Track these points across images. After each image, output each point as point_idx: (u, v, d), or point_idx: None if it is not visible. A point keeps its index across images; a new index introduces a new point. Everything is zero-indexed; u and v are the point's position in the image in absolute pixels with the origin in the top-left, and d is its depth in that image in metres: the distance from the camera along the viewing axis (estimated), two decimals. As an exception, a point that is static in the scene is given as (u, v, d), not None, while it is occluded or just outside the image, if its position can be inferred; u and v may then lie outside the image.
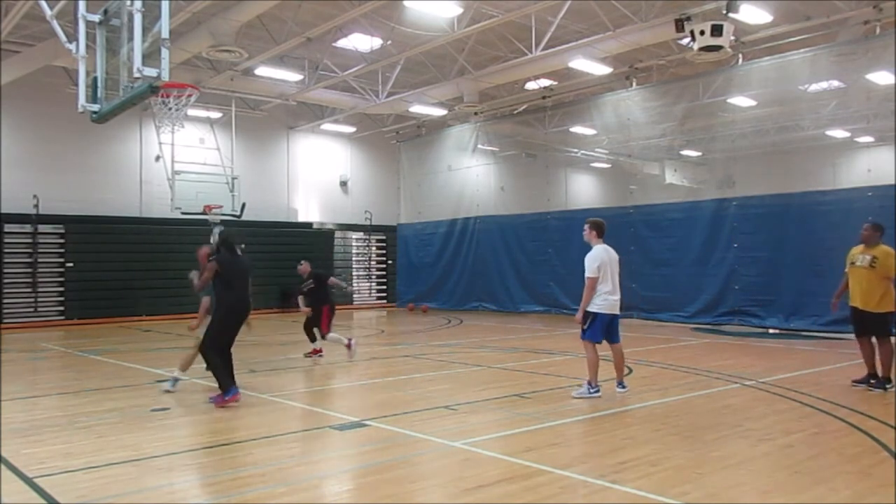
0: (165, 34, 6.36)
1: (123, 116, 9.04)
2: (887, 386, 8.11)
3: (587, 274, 7.78)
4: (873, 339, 8.29)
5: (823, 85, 16.75)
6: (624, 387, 8.09)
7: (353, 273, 24.74)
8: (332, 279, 11.79)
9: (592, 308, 7.82)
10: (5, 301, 17.57)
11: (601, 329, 7.86)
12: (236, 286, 7.67)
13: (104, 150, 19.33)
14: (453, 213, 22.59)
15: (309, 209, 23.82)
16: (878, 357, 8.32)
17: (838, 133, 19.89)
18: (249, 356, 11.04)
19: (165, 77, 6.39)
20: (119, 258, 18.89)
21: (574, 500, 4.69)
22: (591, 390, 7.82)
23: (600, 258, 7.82)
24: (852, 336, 13.36)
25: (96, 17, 7.48)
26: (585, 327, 7.87)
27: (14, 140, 17.95)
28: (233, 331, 7.73)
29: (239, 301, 7.71)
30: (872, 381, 8.28)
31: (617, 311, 7.95)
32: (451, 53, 17.30)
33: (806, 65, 14.54)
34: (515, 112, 21.77)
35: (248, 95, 20.05)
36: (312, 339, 11.45)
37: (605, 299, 7.82)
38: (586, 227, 8.10)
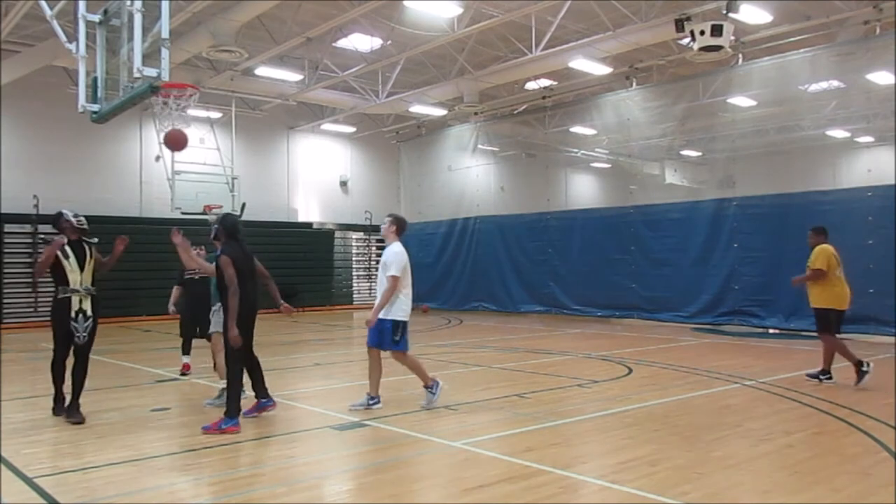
0: (165, 34, 6.37)
1: (123, 116, 9.02)
2: (821, 377, 8.60)
3: (393, 272, 7.00)
4: (836, 335, 8.63)
5: (823, 85, 16.75)
6: (434, 393, 7.33)
7: (353, 273, 24.74)
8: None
9: (400, 316, 7.09)
10: (5, 301, 17.57)
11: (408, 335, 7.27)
12: (246, 287, 6.58)
13: (104, 150, 19.32)
14: (453, 213, 22.58)
15: (309, 209, 23.82)
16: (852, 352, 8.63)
17: (838, 133, 19.87)
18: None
19: (165, 77, 6.40)
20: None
21: (574, 500, 4.69)
22: (371, 401, 7.19)
23: (406, 258, 7.16)
24: (852, 336, 13.55)
25: (96, 17, 7.49)
26: (397, 338, 7.10)
27: (14, 140, 17.94)
28: (245, 339, 6.61)
29: (243, 307, 6.54)
30: (822, 378, 8.66)
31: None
32: (451, 53, 17.30)
33: (806, 65, 14.54)
34: (515, 112, 21.77)
35: (248, 95, 20.04)
36: (188, 349, 9.71)
37: (408, 304, 7.19)
38: (388, 220, 7.37)
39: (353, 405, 7.21)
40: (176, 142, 7.54)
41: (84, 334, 6.77)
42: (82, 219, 7.06)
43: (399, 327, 7.10)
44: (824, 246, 8.70)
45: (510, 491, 4.68)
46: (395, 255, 7.13)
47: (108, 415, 7.10)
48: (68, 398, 6.82)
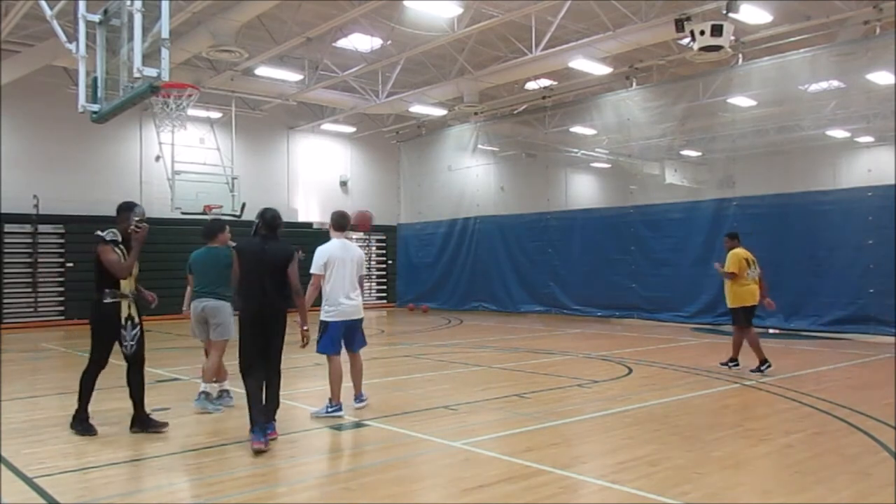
0: (165, 34, 6.37)
1: (123, 116, 9.02)
2: (762, 368, 9.35)
3: (311, 270, 6.85)
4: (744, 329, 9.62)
5: (823, 85, 16.74)
6: (362, 400, 7.18)
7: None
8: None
9: (324, 316, 6.90)
10: (5, 301, 17.57)
11: (335, 339, 6.92)
12: (249, 283, 6.08)
13: (104, 150, 19.32)
14: (453, 213, 22.58)
15: (309, 209, 23.81)
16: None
17: (838, 133, 19.88)
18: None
19: (165, 77, 6.40)
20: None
21: (574, 500, 4.69)
22: (331, 408, 6.89)
23: (328, 254, 6.85)
24: (852, 336, 13.58)
25: (96, 17, 7.49)
26: (318, 338, 6.89)
27: (14, 140, 17.94)
28: (252, 342, 6.03)
29: (248, 304, 6.05)
30: (731, 365, 9.71)
31: (356, 317, 6.99)
32: (451, 53, 17.30)
33: (806, 65, 14.53)
34: (515, 112, 21.77)
35: (248, 95, 20.05)
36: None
37: (337, 305, 6.85)
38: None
39: (314, 412, 7.02)
40: (363, 221, 8.22)
41: (132, 343, 6.26)
42: (142, 227, 6.36)
43: (320, 327, 6.92)
44: (737, 250, 9.66)
45: (510, 491, 4.68)
46: (316, 253, 6.92)
47: (108, 415, 7.09)
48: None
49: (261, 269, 6.03)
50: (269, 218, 6.19)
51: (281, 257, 6.09)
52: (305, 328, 6.16)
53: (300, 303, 6.05)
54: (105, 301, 6.17)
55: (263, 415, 5.83)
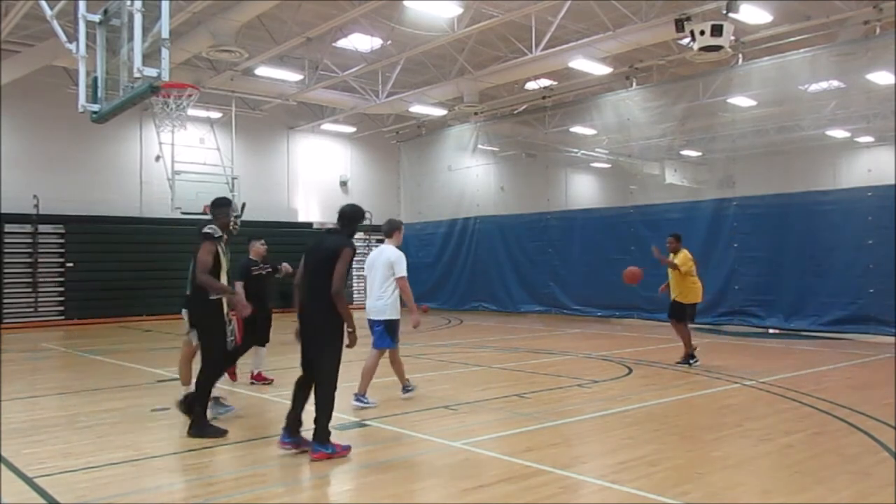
0: (165, 34, 6.38)
1: (123, 116, 9.02)
2: (691, 361, 10.11)
3: None
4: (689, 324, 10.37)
5: (823, 85, 16.74)
6: (361, 401, 7.37)
7: (354, 273, 24.73)
8: (285, 265, 9.11)
9: None
10: (5, 301, 17.57)
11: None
12: (302, 280, 5.84)
13: (104, 150, 19.32)
14: (453, 213, 22.57)
15: (309, 209, 23.82)
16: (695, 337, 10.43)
17: (838, 133, 19.88)
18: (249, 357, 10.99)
19: (165, 77, 6.40)
20: (119, 258, 18.89)
21: (574, 500, 4.69)
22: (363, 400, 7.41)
23: (368, 258, 7.88)
24: (852, 336, 13.56)
25: (96, 17, 7.50)
26: None
27: (14, 140, 17.94)
28: (301, 341, 5.92)
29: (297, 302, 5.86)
30: (692, 361, 10.20)
31: (372, 316, 7.52)
32: (451, 53, 17.30)
33: (806, 65, 14.53)
34: (515, 112, 21.76)
35: (248, 95, 20.05)
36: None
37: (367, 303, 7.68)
38: None
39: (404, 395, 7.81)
40: (633, 277, 11.15)
41: (231, 339, 6.44)
42: (237, 224, 6.58)
43: None
44: (686, 251, 10.53)
45: (510, 491, 4.68)
46: None
47: (108, 415, 7.10)
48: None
49: (307, 265, 5.77)
50: (340, 213, 6.17)
51: (324, 253, 5.63)
52: (350, 329, 5.66)
53: (339, 302, 5.57)
54: (212, 298, 6.17)
55: (294, 422, 5.73)
